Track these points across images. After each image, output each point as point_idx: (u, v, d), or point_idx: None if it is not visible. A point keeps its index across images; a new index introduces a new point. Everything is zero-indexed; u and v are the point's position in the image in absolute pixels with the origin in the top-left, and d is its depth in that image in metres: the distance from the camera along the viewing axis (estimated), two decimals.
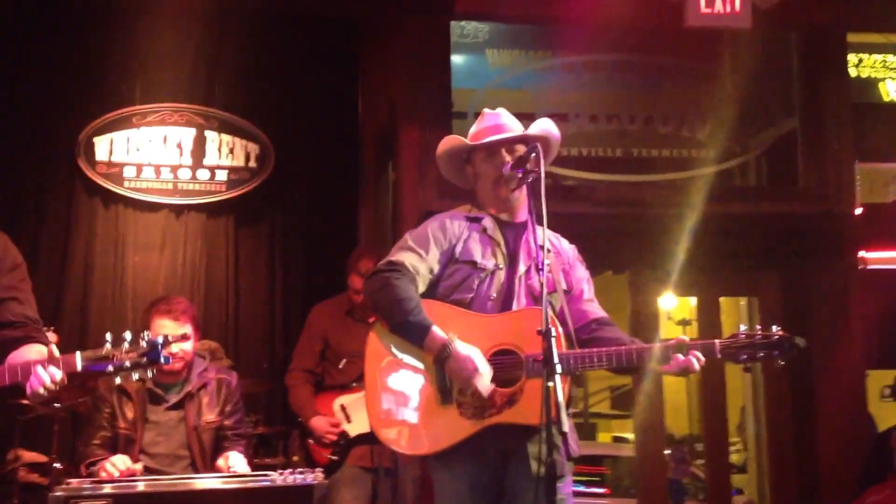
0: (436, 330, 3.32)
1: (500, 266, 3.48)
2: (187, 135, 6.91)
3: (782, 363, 3.22)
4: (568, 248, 3.65)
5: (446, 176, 3.74)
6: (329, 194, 7.01)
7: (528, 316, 3.32)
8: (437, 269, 3.47)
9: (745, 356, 3.25)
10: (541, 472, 2.93)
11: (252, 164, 6.95)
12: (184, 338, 3.35)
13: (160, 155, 6.85)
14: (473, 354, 3.28)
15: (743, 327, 3.31)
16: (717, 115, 6.74)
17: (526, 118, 3.67)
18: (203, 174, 6.87)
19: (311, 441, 5.33)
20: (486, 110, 3.71)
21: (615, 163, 6.75)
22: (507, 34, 7.17)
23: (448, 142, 3.67)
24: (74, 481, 3.83)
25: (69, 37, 6.83)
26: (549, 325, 2.92)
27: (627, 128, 6.88)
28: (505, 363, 3.32)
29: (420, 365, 3.40)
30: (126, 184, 6.78)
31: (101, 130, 6.81)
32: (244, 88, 7.03)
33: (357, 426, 5.19)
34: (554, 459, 2.87)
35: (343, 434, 5.23)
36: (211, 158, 6.91)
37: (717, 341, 3.27)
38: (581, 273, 3.60)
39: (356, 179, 7.16)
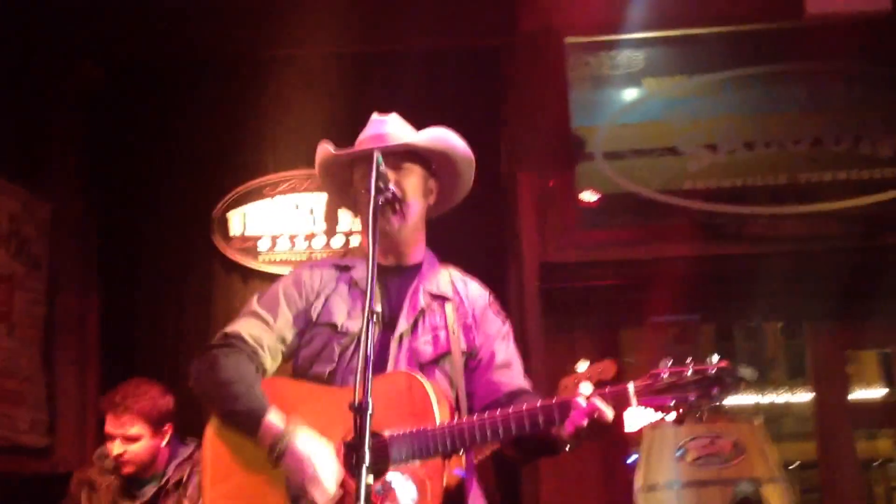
0: (271, 419, 2.54)
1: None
2: (319, 200, 6.65)
3: (719, 403, 2.33)
4: (476, 297, 2.86)
5: (339, 202, 3.09)
6: (477, 250, 6.54)
7: (395, 383, 2.57)
8: (290, 336, 2.73)
9: (674, 400, 2.36)
10: None
11: None
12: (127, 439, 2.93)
13: (293, 224, 6.63)
14: (314, 452, 2.47)
15: (668, 362, 2.42)
16: None
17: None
18: (338, 240, 6.59)
19: None
20: (375, 115, 2.96)
21: (777, 192, 5.89)
22: (666, 59, 6.47)
23: (320, 153, 2.90)
24: None
25: (200, 114, 6.74)
26: (366, 398, 2.16)
27: (791, 150, 6.01)
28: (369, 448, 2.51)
29: (266, 468, 2.58)
30: (261, 257, 6.60)
31: (234, 204, 6.68)
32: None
33: None
34: None
35: None
36: (344, 223, 6.62)
37: (630, 384, 2.42)
38: (492, 329, 2.80)
39: (502, 229, 6.65)
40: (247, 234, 6.65)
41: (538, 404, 2.44)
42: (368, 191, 2.51)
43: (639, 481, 5.11)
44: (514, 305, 5.75)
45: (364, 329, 2.21)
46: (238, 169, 6.72)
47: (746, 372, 2.37)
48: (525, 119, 5.80)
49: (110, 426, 4.07)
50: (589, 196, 5.79)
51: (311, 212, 6.65)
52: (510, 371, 2.74)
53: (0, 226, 6.15)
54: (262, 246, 6.61)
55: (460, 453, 2.48)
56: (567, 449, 2.49)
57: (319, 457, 2.48)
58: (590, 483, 5.50)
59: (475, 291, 2.87)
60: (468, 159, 2.92)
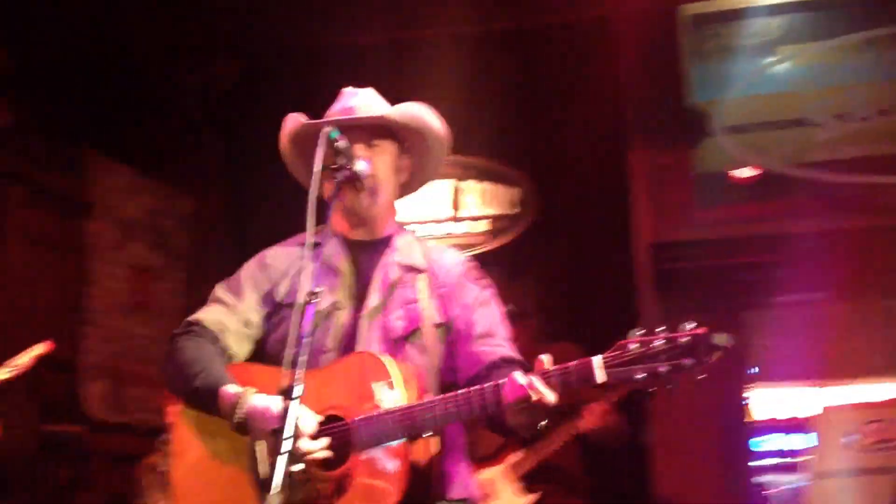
0: (227, 388, 2.42)
1: (340, 305, 2.59)
2: (444, 187, 6.67)
3: (700, 376, 2.07)
4: (451, 265, 2.68)
5: (303, 180, 2.77)
6: (600, 234, 6.40)
7: (358, 365, 2.43)
8: (257, 319, 2.59)
9: (643, 373, 2.13)
10: None
11: (513, 210, 6.55)
12: None
13: (419, 211, 6.69)
14: (275, 401, 2.28)
15: (637, 332, 2.18)
16: None
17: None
18: (462, 227, 6.59)
19: None
20: (347, 88, 2.79)
21: None
22: (802, 25, 6.13)
23: (289, 125, 2.71)
24: None
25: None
26: (295, 380, 2.04)
27: None
28: (331, 435, 2.33)
29: (230, 450, 2.47)
30: None
31: None
32: (499, 130, 6.65)
33: None
34: None
35: None
36: (470, 209, 6.62)
37: (595, 358, 2.18)
38: (469, 297, 2.61)
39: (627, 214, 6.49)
40: None
41: (472, 389, 2.29)
42: (329, 168, 2.45)
43: (813, 467, 4.84)
44: (628, 287, 5.61)
45: (301, 310, 2.17)
46: None
47: (721, 338, 2.09)
48: (639, 94, 5.63)
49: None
50: (741, 171, 5.55)
51: (436, 199, 6.68)
52: (491, 340, 2.55)
53: (140, 220, 6.47)
54: None
55: (425, 436, 2.32)
56: (533, 429, 2.30)
57: (281, 403, 2.22)
58: (706, 466, 5.26)
59: (450, 260, 2.71)
60: (441, 138, 2.76)
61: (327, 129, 2.46)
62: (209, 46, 6.65)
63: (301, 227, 2.40)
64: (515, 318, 2.84)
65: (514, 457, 4.54)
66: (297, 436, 2.11)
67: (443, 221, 6.63)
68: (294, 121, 2.70)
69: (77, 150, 6.86)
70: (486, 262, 6.22)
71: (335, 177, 2.47)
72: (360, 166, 2.55)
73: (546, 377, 2.19)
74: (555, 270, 6.38)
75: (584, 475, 4.67)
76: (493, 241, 6.53)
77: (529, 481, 4.52)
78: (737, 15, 6.00)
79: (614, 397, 4.49)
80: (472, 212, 6.62)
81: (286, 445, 1.98)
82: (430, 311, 2.55)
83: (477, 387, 2.28)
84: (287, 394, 2.04)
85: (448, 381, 2.50)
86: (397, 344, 2.52)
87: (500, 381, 2.24)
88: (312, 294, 2.21)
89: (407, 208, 6.29)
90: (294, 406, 2.03)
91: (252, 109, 6.86)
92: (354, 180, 2.53)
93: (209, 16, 6.28)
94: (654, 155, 5.54)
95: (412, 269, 2.61)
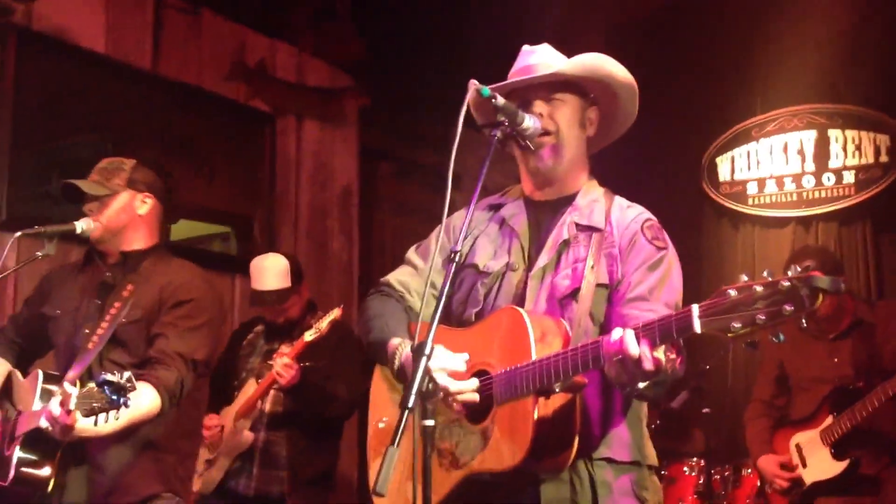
0: (394, 341, 2.49)
1: (514, 266, 2.54)
2: (808, 138, 6.28)
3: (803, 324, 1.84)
4: (630, 223, 2.52)
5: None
6: None
7: (502, 321, 2.39)
8: (440, 281, 2.40)
9: (740, 322, 1.91)
10: None
11: (883, 158, 6.03)
12: None
13: (781, 165, 6.34)
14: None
15: (744, 277, 1.96)
16: None
17: None
18: (828, 179, 6.18)
19: (766, 488, 4.43)
20: (525, 47, 2.66)
21: None
22: None
23: (470, 92, 2.46)
24: None
25: (692, 62, 6.72)
26: (426, 341, 2.04)
27: None
28: (476, 389, 2.35)
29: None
30: (750, 201, 6.42)
31: (722, 150, 6.58)
32: (869, 74, 6.14)
33: (814, 471, 4.20)
34: None
35: (796, 480, 4.25)
36: (835, 160, 6.18)
37: (694, 306, 1.99)
38: (639, 258, 2.46)
39: None
40: (735, 178, 6.51)
41: (580, 345, 2.20)
42: (489, 125, 2.41)
43: None
44: None
45: (447, 272, 2.20)
46: (727, 114, 6.58)
47: (823, 281, 1.85)
48: None
49: None
50: None
51: (800, 151, 6.30)
52: (643, 305, 2.39)
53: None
54: (751, 189, 6.43)
55: (557, 391, 2.24)
56: (632, 386, 2.15)
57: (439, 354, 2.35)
58: None
59: (631, 216, 2.55)
60: (627, 84, 2.61)
61: (478, 86, 2.38)
62: None
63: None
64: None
65: (827, 421, 4.25)
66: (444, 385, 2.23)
67: (806, 174, 6.26)
68: (471, 90, 2.56)
69: (444, 125, 7.27)
70: (853, 217, 5.92)
71: (494, 134, 2.41)
72: (528, 122, 2.46)
73: (646, 329, 2.06)
74: None
75: None
76: (860, 193, 6.06)
77: (843, 447, 4.19)
78: None
79: None
80: (837, 163, 6.17)
81: (408, 399, 2.00)
82: (595, 271, 2.45)
83: (586, 342, 2.19)
84: (421, 349, 2.07)
85: None
86: (561, 303, 2.45)
87: (594, 341, 2.15)
88: (454, 253, 2.22)
89: (770, 162, 6.18)
90: (423, 363, 2.05)
91: None
92: (518, 137, 2.46)
93: None
94: None
95: (587, 229, 2.52)
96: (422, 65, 6.42)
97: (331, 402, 4.43)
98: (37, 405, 3.02)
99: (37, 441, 2.96)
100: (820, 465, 4.18)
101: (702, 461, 4.89)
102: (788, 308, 1.88)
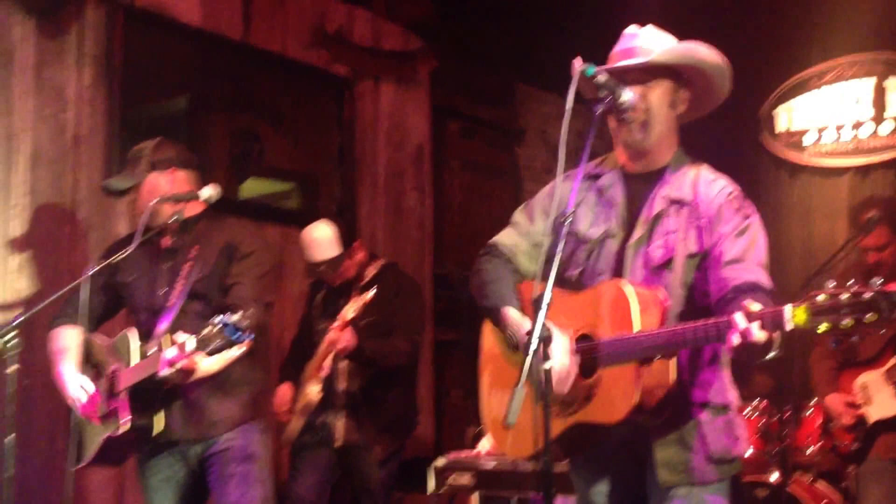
0: (508, 310, 2.79)
1: (612, 233, 2.80)
2: (866, 86, 6.46)
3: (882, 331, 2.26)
4: (715, 195, 2.75)
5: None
6: None
7: (606, 292, 2.68)
8: (547, 243, 2.70)
9: (827, 323, 2.22)
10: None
11: None
12: None
13: (838, 114, 6.55)
14: (526, 321, 2.71)
15: (831, 283, 2.26)
16: None
17: None
18: (886, 127, 6.36)
19: (831, 426, 4.68)
20: (628, 29, 2.88)
21: None
22: None
23: (574, 73, 2.70)
24: None
25: (749, 9, 6.85)
26: (544, 293, 2.35)
27: None
28: (581, 351, 2.69)
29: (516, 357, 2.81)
30: (807, 151, 6.64)
31: (780, 100, 6.77)
32: None
33: (879, 409, 4.41)
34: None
35: (861, 418, 4.49)
36: (893, 108, 6.35)
37: (787, 307, 2.30)
38: (727, 228, 2.69)
39: None
40: (793, 129, 6.71)
41: (696, 323, 2.49)
42: (592, 100, 2.66)
43: None
44: None
45: (557, 234, 2.49)
46: (784, 64, 6.76)
47: None
48: None
49: None
50: None
51: (858, 100, 6.47)
52: (739, 266, 2.64)
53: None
54: (808, 140, 6.63)
55: (657, 359, 2.56)
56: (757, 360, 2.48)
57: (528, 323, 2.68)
58: None
59: (714, 191, 2.77)
60: (720, 69, 2.80)
61: (582, 67, 2.61)
62: None
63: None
64: None
65: (892, 361, 4.44)
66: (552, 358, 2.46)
67: (864, 123, 6.43)
68: (575, 71, 2.78)
69: (507, 83, 7.52)
70: None
71: (597, 108, 2.65)
72: (626, 96, 2.68)
73: (762, 318, 2.32)
74: None
75: None
76: None
77: None
78: None
79: None
80: (895, 111, 6.35)
81: (530, 343, 2.33)
82: (686, 242, 2.72)
83: (703, 322, 2.47)
84: (538, 303, 2.37)
85: (702, 304, 2.66)
86: (655, 272, 2.71)
87: (722, 322, 2.41)
88: (563, 216, 2.52)
89: (828, 112, 6.33)
90: (543, 311, 2.36)
91: None
92: (620, 111, 2.70)
93: None
94: None
95: (677, 202, 2.74)
96: (485, 24, 6.66)
97: (391, 356, 4.69)
98: (135, 359, 3.43)
99: (138, 392, 3.38)
100: (885, 403, 4.38)
101: (763, 403, 5.20)
102: (868, 317, 2.18)
